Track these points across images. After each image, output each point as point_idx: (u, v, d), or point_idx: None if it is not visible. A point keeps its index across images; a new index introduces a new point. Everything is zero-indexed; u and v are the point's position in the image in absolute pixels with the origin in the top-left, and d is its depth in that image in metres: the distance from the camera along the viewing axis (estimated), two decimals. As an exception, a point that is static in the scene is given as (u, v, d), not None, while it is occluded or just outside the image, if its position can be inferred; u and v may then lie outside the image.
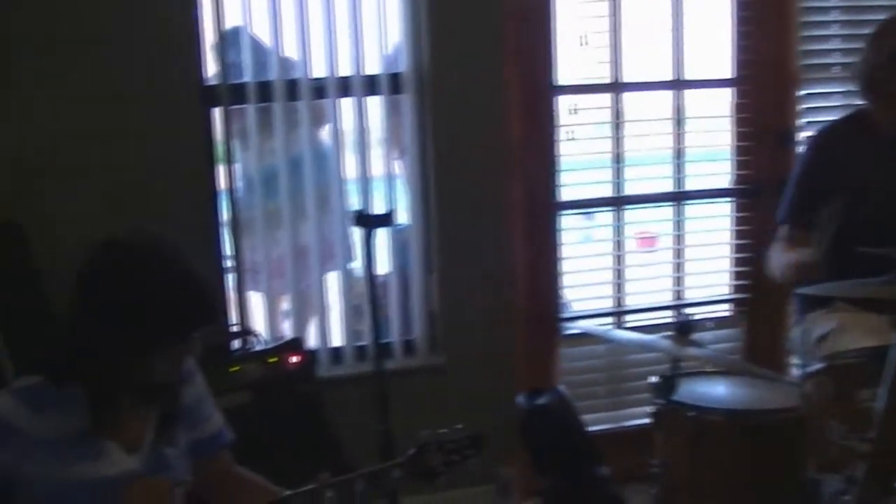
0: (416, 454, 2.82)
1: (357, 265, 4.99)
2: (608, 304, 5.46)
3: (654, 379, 3.75)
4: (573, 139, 5.23)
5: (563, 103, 5.17)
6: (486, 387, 4.97)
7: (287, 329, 5.05)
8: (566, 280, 5.33)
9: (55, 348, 2.69)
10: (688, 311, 5.31)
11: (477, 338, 5.02)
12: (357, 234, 4.34)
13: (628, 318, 5.50)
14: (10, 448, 2.55)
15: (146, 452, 2.72)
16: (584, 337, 5.22)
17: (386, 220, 3.99)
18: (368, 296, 3.96)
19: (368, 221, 3.87)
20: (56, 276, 3.42)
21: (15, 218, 4.28)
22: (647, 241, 6.17)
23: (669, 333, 3.66)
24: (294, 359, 4.40)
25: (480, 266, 4.99)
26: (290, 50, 4.77)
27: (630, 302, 5.48)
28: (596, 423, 5.18)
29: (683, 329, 3.59)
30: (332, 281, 5.07)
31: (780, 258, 4.20)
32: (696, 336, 3.67)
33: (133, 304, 2.51)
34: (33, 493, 2.59)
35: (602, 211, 5.41)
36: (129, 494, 2.62)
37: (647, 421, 3.89)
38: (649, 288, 5.55)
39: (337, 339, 5.04)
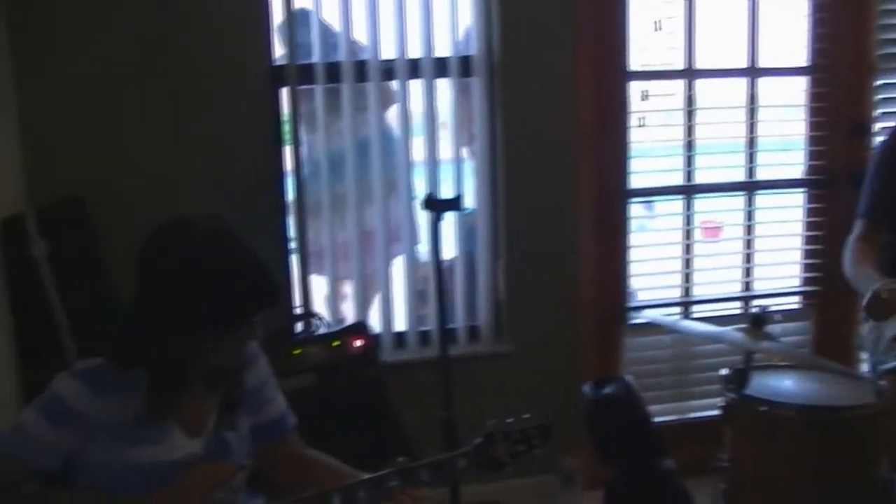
0: (483, 444, 2.78)
1: (423, 249, 4.96)
2: (675, 294, 5.40)
3: (724, 372, 3.69)
4: (644, 126, 5.16)
5: (635, 89, 5.10)
6: (551, 375, 4.94)
7: (350, 312, 5.02)
8: (633, 269, 5.26)
9: (117, 330, 2.67)
10: (756, 302, 5.24)
11: (543, 325, 4.99)
12: (424, 218, 4.31)
13: (695, 308, 5.43)
14: (72, 430, 2.54)
15: (208, 436, 2.70)
16: (650, 327, 5.16)
17: (454, 204, 3.96)
18: (434, 281, 3.92)
19: (436, 205, 3.84)
20: (119, 254, 3.41)
21: (78, 195, 4.28)
22: (713, 230, 6.10)
23: (743, 326, 3.58)
24: (358, 342, 4.38)
25: (548, 253, 4.95)
26: (360, 32, 4.74)
27: (697, 292, 5.41)
28: (661, 415, 5.11)
29: (757, 321, 3.52)
30: (397, 265, 5.03)
31: (861, 271, 4.09)
32: (769, 329, 3.59)
33: (194, 287, 2.48)
34: (94, 475, 2.58)
35: (672, 199, 5.33)
36: (190, 478, 2.60)
37: (713, 413, 3.83)
38: (717, 278, 5.47)
39: (400, 323, 5.02)
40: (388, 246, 4.94)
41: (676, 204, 5.31)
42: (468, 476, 2.85)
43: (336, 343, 4.37)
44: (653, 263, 5.35)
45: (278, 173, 4.77)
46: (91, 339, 3.55)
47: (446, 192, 4.70)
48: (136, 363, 2.57)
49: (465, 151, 5.02)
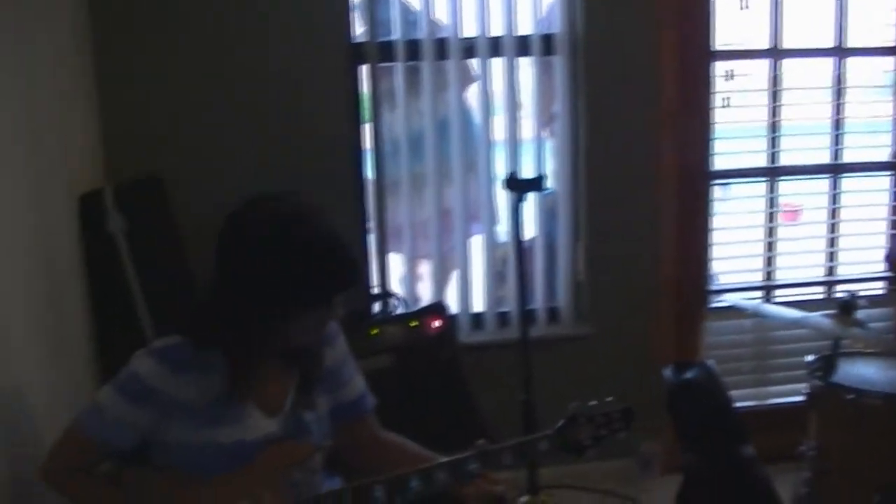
0: (565, 426, 2.74)
1: (501, 229, 4.91)
2: (756, 278, 5.31)
3: (809, 358, 3.62)
4: (728, 106, 5.07)
5: (719, 68, 5.01)
6: (630, 358, 4.91)
7: (427, 292, 5.00)
8: (715, 251, 5.18)
9: (196, 308, 2.66)
10: (840, 288, 5.16)
11: (623, 307, 4.96)
12: (503, 198, 4.27)
13: (777, 292, 5.34)
14: (149, 408, 2.53)
15: (286, 416, 2.68)
16: (731, 310, 5.09)
17: (536, 184, 3.92)
18: (515, 261, 3.89)
19: (518, 186, 3.80)
20: (196, 232, 3.40)
21: (157, 172, 4.29)
22: (791, 213, 6.01)
23: (831, 311, 3.51)
24: (436, 323, 4.36)
25: (629, 234, 4.91)
26: (440, 10, 4.70)
27: (779, 276, 5.32)
28: (742, 400, 5.05)
29: (846, 307, 3.45)
30: (476, 245, 4.99)
31: None
32: (857, 315, 3.52)
33: (275, 265, 2.45)
34: (172, 455, 2.57)
35: (755, 182, 5.23)
36: (268, 458, 2.59)
37: (795, 399, 3.77)
38: (799, 263, 5.38)
39: (479, 304, 4.98)
40: (467, 225, 4.90)
41: (757, 186, 5.22)
42: (549, 460, 2.81)
43: (414, 323, 4.36)
44: (734, 246, 5.27)
45: (357, 151, 4.75)
46: (169, 317, 3.55)
47: (526, 172, 4.66)
48: (214, 341, 2.55)
49: (546, 130, 4.97)
